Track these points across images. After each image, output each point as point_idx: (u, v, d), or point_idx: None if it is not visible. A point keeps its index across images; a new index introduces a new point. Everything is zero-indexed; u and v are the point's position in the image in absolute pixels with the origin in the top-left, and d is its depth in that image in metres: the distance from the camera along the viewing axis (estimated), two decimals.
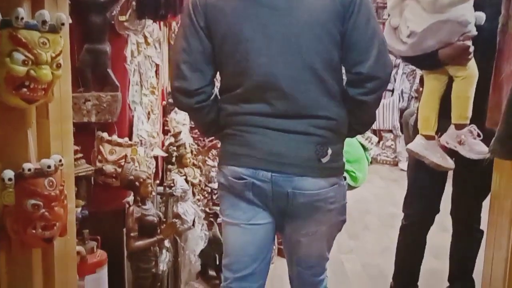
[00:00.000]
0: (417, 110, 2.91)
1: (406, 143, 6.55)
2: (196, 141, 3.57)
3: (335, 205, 1.99)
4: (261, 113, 1.89)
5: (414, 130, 2.92)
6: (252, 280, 2.07)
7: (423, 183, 2.92)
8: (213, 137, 3.44)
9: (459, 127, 2.69)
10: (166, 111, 3.67)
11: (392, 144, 6.93)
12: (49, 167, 1.41)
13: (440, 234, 3.43)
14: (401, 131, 6.62)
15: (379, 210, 5.36)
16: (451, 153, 2.77)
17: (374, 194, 6.03)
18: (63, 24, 1.40)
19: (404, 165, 6.80)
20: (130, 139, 2.63)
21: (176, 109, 3.52)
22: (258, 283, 2.09)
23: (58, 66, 1.38)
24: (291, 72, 1.84)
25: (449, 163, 2.73)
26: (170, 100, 3.67)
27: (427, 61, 2.66)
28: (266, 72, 1.84)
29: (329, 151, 1.89)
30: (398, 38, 2.68)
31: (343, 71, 1.96)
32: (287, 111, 1.87)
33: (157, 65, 3.14)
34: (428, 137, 2.78)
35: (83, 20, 2.41)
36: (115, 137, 2.53)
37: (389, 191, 5.89)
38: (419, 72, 6.71)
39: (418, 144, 2.78)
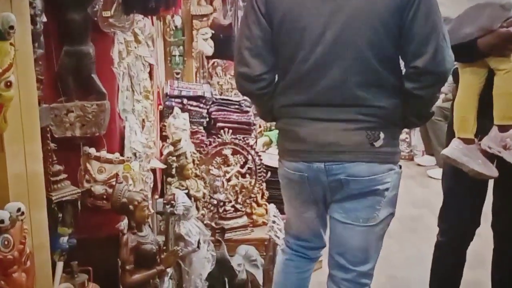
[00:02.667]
0: (452, 109, 2.54)
1: (422, 136, 6.32)
2: (198, 148, 3.21)
3: (389, 192, 1.99)
4: (311, 103, 1.93)
5: (449, 132, 2.54)
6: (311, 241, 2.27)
7: (461, 194, 2.56)
8: (215, 144, 3.20)
9: (503, 129, 2.34)
10: (163, 116, 3.32)
11: (406, 137, 6.55)
12: (2, 221, 1.04)
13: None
14: None
15: (398, 212, 4.97)
16: (492, 158, 2.41)
17: None
18: (11, 27, 1.02)
19: (420, 159, 6.44)
20: (122, 154, 2.30)
21: (174, 113, 3.19)
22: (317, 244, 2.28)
23: (8, 85, 1.02)
24: (343, 62, 1.85)
25: (493, 170, 2.37)
26: (167, 103, 3.33)
27: (463, 52, 2.28)
28: (318, 61, 1.88)
29: (382, 135, 1.91)
30: None
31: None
32: (335, 100, 1.90)
33: (150, 65, 2.78)
34: (467, 141, 2.42)
35: (60, 18, 2.09)
36: (104, 153, 2.23)
37: (407, 190, 5.49)
38: None
39: (455, 150, 2.41)
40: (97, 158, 2.20)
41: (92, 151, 2.20)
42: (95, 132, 2.17)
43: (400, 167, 2.05)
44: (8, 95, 1.02)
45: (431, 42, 1.82)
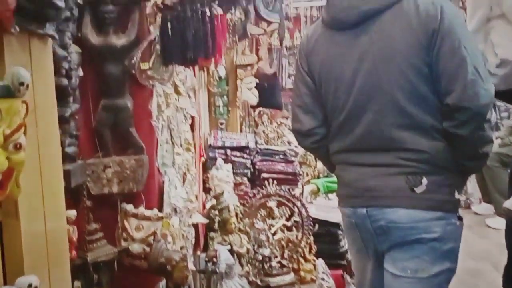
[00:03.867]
0: None
1: (479, 183, 6.00)
2: (242, 201, 3.09)
3: (442, 244, 1.85)
4: (349, 149, 1.94)
5: (511, 181, 2.33)
6: None
7: None
8: (260, 196, 3.08)
9: None
10: (206, 168, 3.22)
11: None
12: None
13: None
14: None
15: None
16: None
17: None
18: (22, 84, 0.94)
19: (478, 208, 6.10)
20: (161, 210, 2.19)
21: (217, 164, 3.09)
22: None
23: (18, 147, 0.92)
24: (375, 107, 1.84)
25: None
26: (211, 154, 3.24)
27: None
28: (353, 108, 1.89)
29: (424, 181, 1.82)
30: None
31: None
32: (374, 145, 1.88)
33: (192, 117, 2.70)
34: None
35: (97, 71, 2.04)
36: (142, 210, 2.14)
37: (464, 240, 5.22)
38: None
39: None
40: (135, 215, 2.11)
41: (130, 208, 2.11)
42: (133, 188, 2.10)
43: (460, 218, 1.89)
44: (18, 159, 0.92)
45: (459, 78, 1.74)
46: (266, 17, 3.57)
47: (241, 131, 4.99)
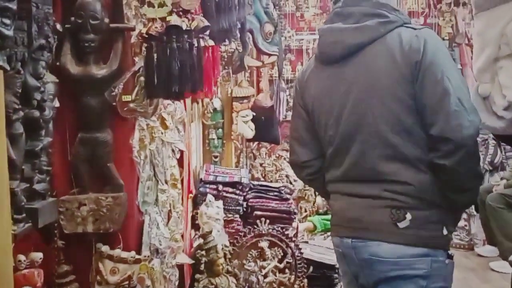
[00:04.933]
0: None
1: (483, 224, 5.81)
2: (232, 240, 2.94)
3: (429, 281, 1.80)
4: (340, 179, 1.95)
5: None
6: None
7: None
8: (251, 235, 2.98)
9: None
10: (196, 203, 3.09)
11: (465, 225, 6.04)
12: None
13: None
14: (476, 210, 5.76)
15: None
16: None
17: None
18: None
19: (481, 250, 5.89)
20: (139, 252, 2.04)
21: (207, 201, 2.95)
22: None
23: None
24: (361, 138, 1.86)
25: None
26: (201, 189, 3.11)
27: None
28: (341, 140, 1.91)
29: (408, 216, 1.80)
30: (490, 110, 2.00)
31: None
32: (360, 175, 1.88)
33: (181, 152, 2.57)
34: None
35: (75, 102, 1.92)
36: (118, 251, 2.00)
37: (466, 284, 5.01)
38: (491, 141, 5.91)
39: None
40: (110, 257, 1.97)
41: (105, 249, 1.97)
42: (109, 228, 1.96)
43: (449, 255, 1.86)
44: None
45: (442, 109, 1.74)
46: (264, 49, 3.47)
47: (238, 162, 4.87)
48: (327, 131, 1.95)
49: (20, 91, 1.57)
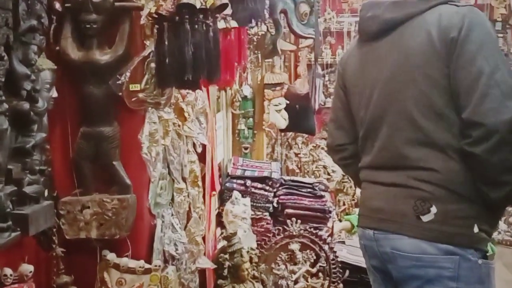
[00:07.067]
0: None
1: None
2: (260, 241, 2.70)
3: (461, 284, 1.70)
4: (368, 165, 1.89)
5: None
6: None
7: None
8: (281, 236, 2.81)
9: None
10: (222, 199, 2.86)
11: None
12: None
13: None
14: None
15: None
16: None
17: None
18: None
19: None
20: (150, 260, 1.81)
21: (233, 198, 2.72)
22: None
23: None
24: (389, 119, 1.79)
25: None
26: (228, 184, 2.88)
27: None
28: (371, 122, 1.84)
29: (433, 209, 1.70)
30: None
31: None
32: (387, 162, 1.81)
33: (203, 145, 2.34)
34: None
35: (76, 92, 1.70)
36: (125, 260, 1.78)
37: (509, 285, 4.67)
38: None
39: None
40: (117, 267, 1.76)
41: (112, 257, 1.77)
42: (115, 234, 1.75)
43: (484, 256, 1.72)
44: None
45: (476, 90, 1.62)
46: (299, 31, 3.18)
47: (273, 152, 4.62)
48: (359, 112, 1.89)
49: (3, 80, 1.35)
